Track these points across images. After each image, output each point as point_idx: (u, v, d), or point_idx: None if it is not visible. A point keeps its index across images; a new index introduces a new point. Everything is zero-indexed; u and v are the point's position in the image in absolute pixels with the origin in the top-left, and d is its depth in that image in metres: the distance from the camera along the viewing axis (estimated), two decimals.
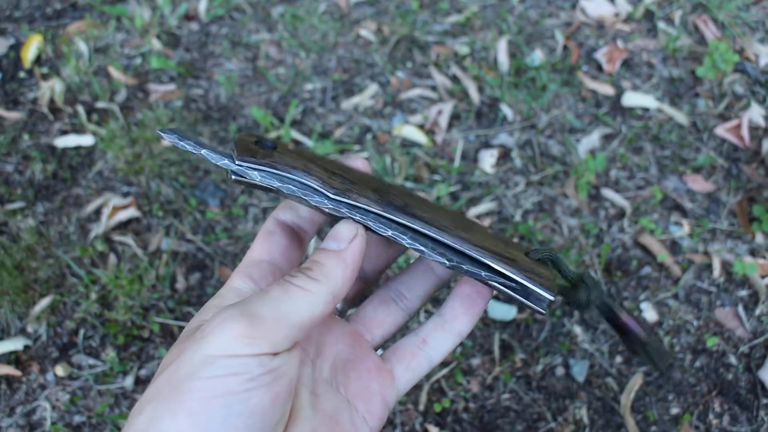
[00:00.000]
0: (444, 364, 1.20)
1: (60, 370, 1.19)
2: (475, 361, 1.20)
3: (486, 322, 1.24)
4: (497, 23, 1.80)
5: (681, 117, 1.56)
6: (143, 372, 1.20)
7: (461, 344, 1.21)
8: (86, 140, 1.53)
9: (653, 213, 1.39)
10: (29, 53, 1.72)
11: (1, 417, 1.15)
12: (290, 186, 0.39)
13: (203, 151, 0.39)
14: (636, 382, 1.16)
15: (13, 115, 1.59)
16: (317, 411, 0.38)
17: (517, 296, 0.40)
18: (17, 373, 1.19)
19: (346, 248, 0.38)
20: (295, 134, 1.53)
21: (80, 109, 1.60)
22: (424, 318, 1.23)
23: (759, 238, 1.34)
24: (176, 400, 0.31)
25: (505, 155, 1.50)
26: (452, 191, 1.42)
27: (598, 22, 1.80)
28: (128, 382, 1.18)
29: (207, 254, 1.35)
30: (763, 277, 1.28)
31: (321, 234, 1.32)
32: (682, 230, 1.36)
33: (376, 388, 0.42)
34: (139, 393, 1.17)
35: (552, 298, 0.39)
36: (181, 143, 0.39)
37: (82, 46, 1.74)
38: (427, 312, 1.26)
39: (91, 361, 1.21)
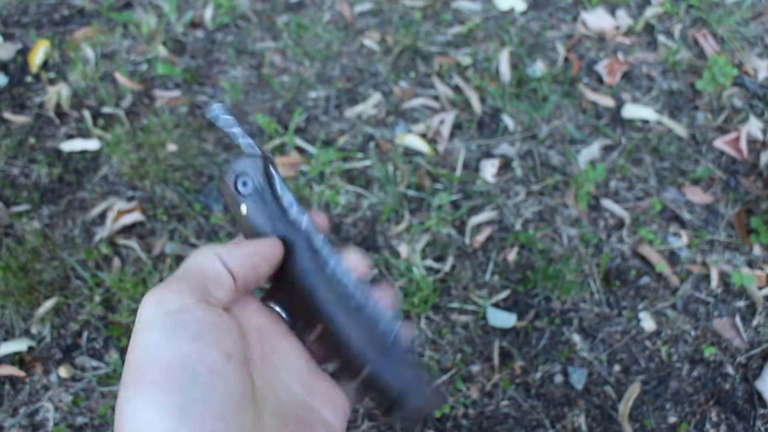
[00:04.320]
0: (444, 370, 1.21)
1: (63, 372, 1.20)
2: (475, 368, 1.21)
3: (486, 330, 1.25)
4: (499, 35, 1.82)
5: (680, 129, 1.58)
6: None
7: (461, 351, 1.22)
8: (92, 144, 1.54)
9: (652, 224, 1.41)
10: (36, 58, 1.74)
11: (4, 417, 1.16)
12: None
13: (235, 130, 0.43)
14: (634, 390, 1.17)
15: (20, 119, 1.61)
16: (286, 404, 0.39)
17: None
18: (21, 373, 1.20)
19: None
20: (299, 142, 1.55)
21: (86, 113, 1.61)
22: None
23: (756, 250, 1.36)
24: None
25: (506, 165, 1.52)
26: (454, 200, 1.44)
27: (599, 35, 1.83)
28: None
29: None
30: (760, 288, 1.30)
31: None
32: (680, 241, 1.38)
33: (338, 401, 0.43)
34: None
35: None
36: (223, 117, 0.43)
37: (89, 52, 1.76)
38: None
39: (95, 362, 1.22)
